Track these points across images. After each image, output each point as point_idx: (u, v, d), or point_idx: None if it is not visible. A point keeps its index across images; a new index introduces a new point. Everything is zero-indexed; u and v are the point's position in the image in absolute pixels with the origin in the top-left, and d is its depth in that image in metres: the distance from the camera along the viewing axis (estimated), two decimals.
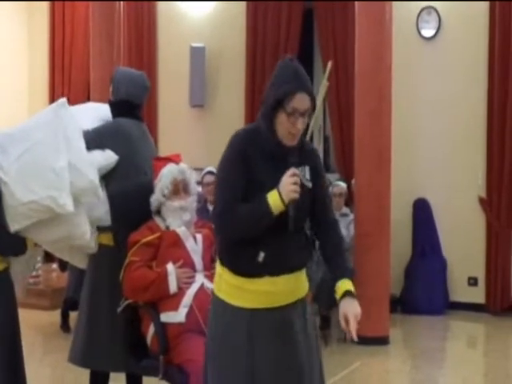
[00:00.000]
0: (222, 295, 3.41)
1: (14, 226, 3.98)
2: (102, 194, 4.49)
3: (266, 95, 3.36)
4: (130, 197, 4.64)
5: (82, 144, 4.26)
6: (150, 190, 4.63)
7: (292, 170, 3.29)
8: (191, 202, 4.63)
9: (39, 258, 8.28)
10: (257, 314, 3.36)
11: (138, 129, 4.91)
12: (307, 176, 3.39)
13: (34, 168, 3.99)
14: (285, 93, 3.27)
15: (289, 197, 3.25)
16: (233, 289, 3.38)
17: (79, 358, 4.75)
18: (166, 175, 4.59)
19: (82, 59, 11.38)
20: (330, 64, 4.59)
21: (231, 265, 3.39)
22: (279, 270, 3.36)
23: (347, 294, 3.31)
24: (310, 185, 3.38)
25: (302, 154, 3.39)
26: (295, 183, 3.27)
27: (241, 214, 3.29)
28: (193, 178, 4.76)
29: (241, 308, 3.37)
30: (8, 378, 3.99)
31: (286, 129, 3.32)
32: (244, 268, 3.36)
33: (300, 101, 3.27)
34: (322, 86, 4.76)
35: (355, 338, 3.21)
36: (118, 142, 4.73)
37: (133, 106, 4.90)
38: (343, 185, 8.71)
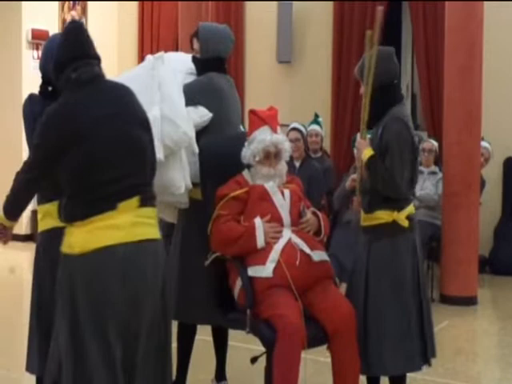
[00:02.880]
0: None
1: None
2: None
3: None
4: (220, 151, 4.61)
5: (179, 97, 4.27)
6: (241, 143, 4.56)
7: None
8: (281, 169, 4.51)
9: None
10: None
11: (227, 82, 4.90)
12: None
13: None
14: None
15: None
16: None
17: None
18: (259, 141, 4.45)
19: (171, 14, 11.43)
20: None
21: None
22: None
23: None
24: None
25: None
26: None
27: None
28: (287, 146, 4.55)
29: None
30: None
31: None
32: None
33: None
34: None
35: None
36: (211, 98, 4.71)
37: (221, 60, 4.90)
38: (434, 142, 8.55)
